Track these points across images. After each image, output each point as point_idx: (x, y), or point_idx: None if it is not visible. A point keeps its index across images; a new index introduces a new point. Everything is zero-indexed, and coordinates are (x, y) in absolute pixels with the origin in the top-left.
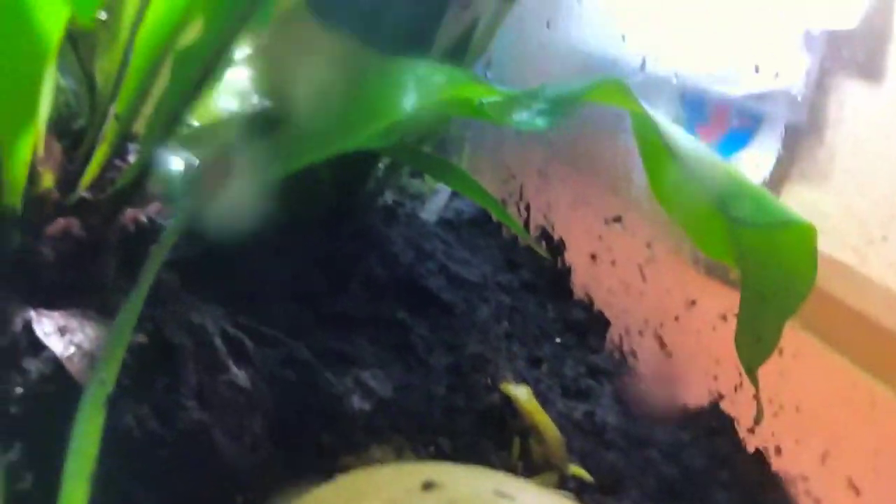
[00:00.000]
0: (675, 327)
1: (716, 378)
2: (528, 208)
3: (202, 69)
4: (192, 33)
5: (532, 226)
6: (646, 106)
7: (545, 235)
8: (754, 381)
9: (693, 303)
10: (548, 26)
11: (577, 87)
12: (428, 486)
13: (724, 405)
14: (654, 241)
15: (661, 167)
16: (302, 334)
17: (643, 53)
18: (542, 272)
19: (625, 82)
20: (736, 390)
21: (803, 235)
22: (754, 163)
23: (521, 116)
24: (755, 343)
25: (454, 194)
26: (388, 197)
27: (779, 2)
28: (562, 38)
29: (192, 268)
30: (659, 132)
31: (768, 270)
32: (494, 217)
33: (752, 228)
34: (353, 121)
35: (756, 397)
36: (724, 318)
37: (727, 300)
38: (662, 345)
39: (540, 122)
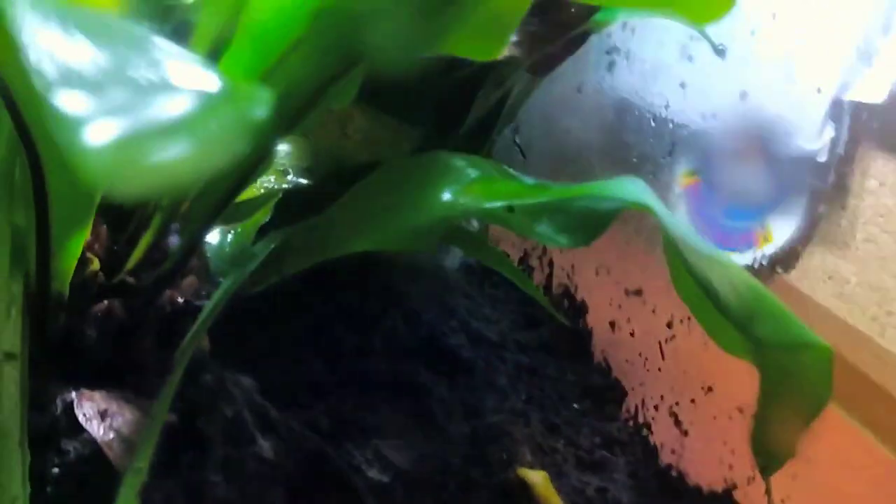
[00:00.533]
0: (691, 409)
1: (730, 467)
2: (550, 264)
3: (255, 159)
4: None
5: (555, 282)
6: (673, 221)
7: (567, 294)
8: (768, 486)
9: (710, 389)
10: (579, 91)
11: (607, 207)
12: None
13: (737, 495)
14: (674, 321)
15: (682, 274)
16: (324, 396)
17: (671, 116)
18: (563, 331)
19: (652, 203)
20: (749, 483)
21: (821, 356)
22: (776, 223)
23: (544, 230)
24: (771, 448)
25: None
26: None
27: (807, 68)
28: (592, 103)
29: (219, 323)
30: (679, 246)
31: (785, 384)
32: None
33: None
34: (385, 217)
35: (767, 491)
36: (741, 410)
37: (744, 393)
38: (678, 423)
39: (563, 240)
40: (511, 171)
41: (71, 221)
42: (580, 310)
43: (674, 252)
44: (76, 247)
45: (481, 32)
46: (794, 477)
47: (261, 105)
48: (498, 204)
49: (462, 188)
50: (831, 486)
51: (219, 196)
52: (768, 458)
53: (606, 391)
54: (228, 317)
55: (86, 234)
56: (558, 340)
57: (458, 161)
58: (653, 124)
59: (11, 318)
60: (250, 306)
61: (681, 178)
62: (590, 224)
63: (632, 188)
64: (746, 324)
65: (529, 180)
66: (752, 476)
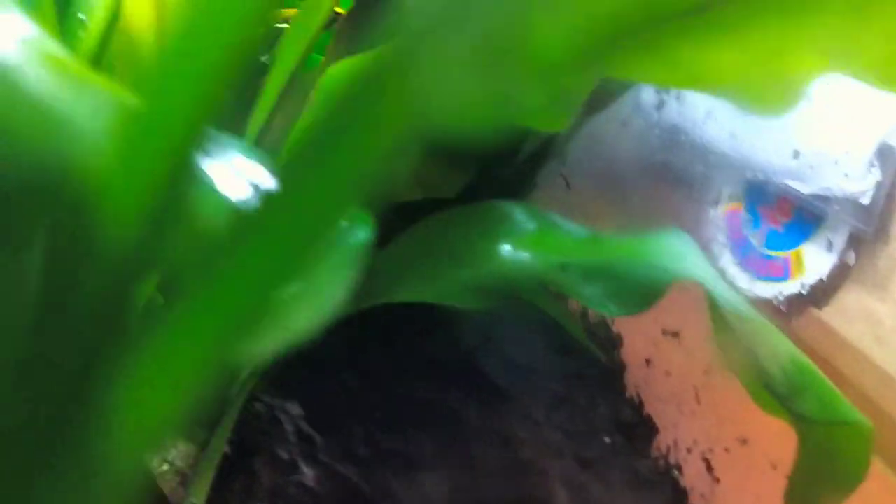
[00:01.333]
0: (724, 457)
1: None
2: None
3: None
4: None
5: (591, 312)
6: (721, 289)
7: (603, 325)
8: None
9: (745, 441)
10: (624, 125)
11: (658, 279)
12: None
13: None
14: (712, 368)
15: (725, 335)
16: (363, 419)
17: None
18: (596, 362)
19: (705, 270)
20: None
21: (862, 433)
22: (814, 258)
23: (595, 295)
24: None
25: None
26: None
27: (857, 110)
28: (637, 139)
29: None
30: (725, 315)
31: (823, 453)
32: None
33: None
34: (434, 270)
35: None
36: (775, 467)
37: (780, 450)
38: (710, 469)
39: (613, 308)
40: (563, 221)
41: None
42: (615, 343)
43: (720, 321)
44: None
45: (552, 107)
46: None
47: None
48: (553, 261)
49: (519, 241)
50: None
51: None
52: None
53: (638, 427)
54: None
55: None
56: (592, 371)
57: (517, 212)
58: (699, 151)
59: None
60: None
61: (723, 205)
62: (641, 294)
63: (680, 249)
64: (790, 398)
65: (582, 232)
66: None
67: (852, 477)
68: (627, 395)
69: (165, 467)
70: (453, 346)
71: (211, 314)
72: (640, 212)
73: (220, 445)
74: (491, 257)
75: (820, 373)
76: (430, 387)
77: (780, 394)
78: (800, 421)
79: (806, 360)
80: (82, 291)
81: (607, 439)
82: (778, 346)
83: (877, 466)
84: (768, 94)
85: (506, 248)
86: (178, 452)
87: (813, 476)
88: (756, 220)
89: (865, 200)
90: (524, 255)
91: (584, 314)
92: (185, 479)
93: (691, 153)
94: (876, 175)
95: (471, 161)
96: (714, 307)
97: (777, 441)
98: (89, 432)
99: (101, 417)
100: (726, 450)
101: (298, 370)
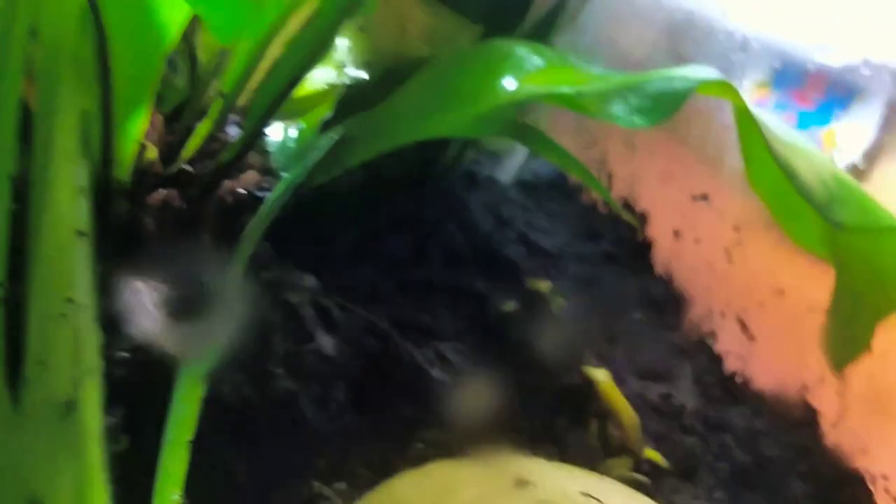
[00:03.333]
0: (759, 313)
1: (800, 369)
2: (610, 177)
3: (311, 53)
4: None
5: (614, 196)
6: (753, 106)
7: (627, 207)
8: (841, 378)
9: (780, 292)
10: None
11: (681, 86)
12: (519, 484)
13: (808, 397)
14: (742, 224)
15: (760, 159)
16: (382, 301)
17: (739, 17)
18: (623, 243)
19: (730, 83)
20: (821, 383)
21: None
22: (849, 135)
23: (618, 111)
24: (845, 342)
25: (531, 154)
26: (469, 157)
27: None
28: (652, 14)
29: (275, 226)
30: (762, 130)
31: (866, 269)
32: (572, 180)
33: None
34: (449, 102)
35: (840, 391)
36: (813, 309)
37: (817, 292)
38: (745, 328)
39: (638, 120)
40: (576, 58)
41: (131, 100)
42: (642, 221)
43: (752, 139)
44: (136, 128)
45: None
46: (870, 377)
47: None
48: (566, 89)
49: (527, 75)
50: None
51: (279, 85)
52: (841, 352)
53: (668, 302)
54: (287, 224)
55: (146, 116)
56: (619, 252)
57: (521, 48)
58: (720, 37)
59: (80, 199)
60: (305, 215)
61: (752, 89)
62: (664, 102)
63: (706, 72)
64: (828, 208)
65: (597, 68)
66: (823, 377)
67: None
68: (657, 272)
69: (173, 322)
70: (473, 231)
71: None
72: None
73: (228, 296)
74: (501, 88)
75: (859, 185)
76: (451, 271)
77: (818, 203)
78: (838, 234)
79: (845, 173)
80: None
81: (637, 315)
82: (816, 161)
83: None
84: None
85: (514, 80)
86: (185, 309)
87: (853, 294)
88: (785, 103)
89: None
90: (534, 85)
91: (606, 203)
92: (191, 334)
93: (713, 39)
94: None
95: (479, 19)
96: (746, 124)
97: (813, 284)
98: None
99: None
100: (761, 305)
101: (312, 254)
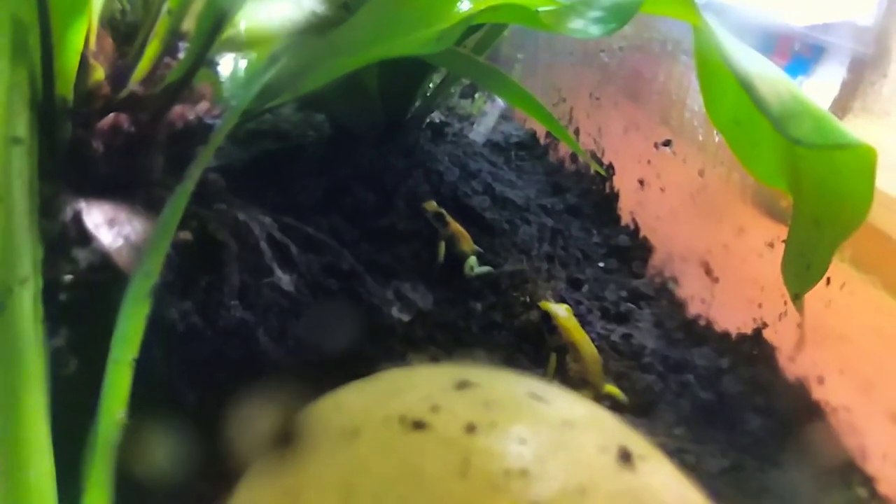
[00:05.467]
0: (722, 254)
1: (760, 306)
2: (577, 132)
3: None
4: None
5: (581, 149)
6: (708, 20)
7: (594, 159)
8: (800, 307)
9: (741, 230)
10: None
11: None
12: (462, 385)
13: (767, 334)
14: (705, 169)
15: (718, 85)
16: (345, 247)
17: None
18: (589, 196)
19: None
20: (780, 319)
21: (863, 158)
22: (815, 92)
23: (575, 24)
24: (804, 269)
25: (502, 117)
26: (437, 116)
27: None
28: None
29: (239, 175)
30: (720, 47)
31: (824, 193)
32: (542, 141)
33: (810, 149)
34: (405, 23)
35: (800, 324)
36: (772, 245)
37: (776, 229)
38: (708, 271)
39: (594, 30)
40: None
41: (68, 10)
42: (607, 173)
43: (710, 61)
44: (76, 39)
45: None
46: (828, 304)
47: None
48: (525, 4)
49: None
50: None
51: (223, 6)
52: (800, 281)
53: (633, 250)
54: (246, 171)
55: (85, 26)
56: (584, 204)
57: None
58: None
59: (15, 104)
60: (269, 163)
61: None
62: (618, 13)
63: None
64: (784, 122)
65: None
66: (783, 312)
67: (857, 206)
68: (623, 222)
69: (120, 242)
70: (439, 183)
71: None
72: (629, 49)
73: (175, 215)
74: (456, 10)
75: (819, 106)
76: (415, 220)
77: (775, 116)
78: (797, 146)
79: (805, 94)
80: None
81: (601, 264)
82: (777, 80)
83: (881, 293)
84: None
85: (467, 5)
86: (133, 229)
87: (812, 216)
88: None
89: (863, 23)
90: (492, 3)
91: (574, 154)
92: (140, 253)
93: None
94: None
95: None
96: (701, 41)
97: (773, 222)
98: None
99: None
100: (725, 246)
101: (274, 201)
